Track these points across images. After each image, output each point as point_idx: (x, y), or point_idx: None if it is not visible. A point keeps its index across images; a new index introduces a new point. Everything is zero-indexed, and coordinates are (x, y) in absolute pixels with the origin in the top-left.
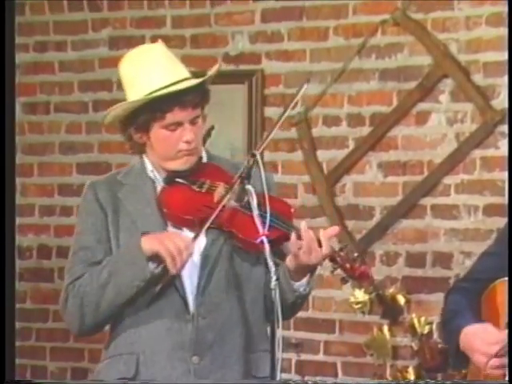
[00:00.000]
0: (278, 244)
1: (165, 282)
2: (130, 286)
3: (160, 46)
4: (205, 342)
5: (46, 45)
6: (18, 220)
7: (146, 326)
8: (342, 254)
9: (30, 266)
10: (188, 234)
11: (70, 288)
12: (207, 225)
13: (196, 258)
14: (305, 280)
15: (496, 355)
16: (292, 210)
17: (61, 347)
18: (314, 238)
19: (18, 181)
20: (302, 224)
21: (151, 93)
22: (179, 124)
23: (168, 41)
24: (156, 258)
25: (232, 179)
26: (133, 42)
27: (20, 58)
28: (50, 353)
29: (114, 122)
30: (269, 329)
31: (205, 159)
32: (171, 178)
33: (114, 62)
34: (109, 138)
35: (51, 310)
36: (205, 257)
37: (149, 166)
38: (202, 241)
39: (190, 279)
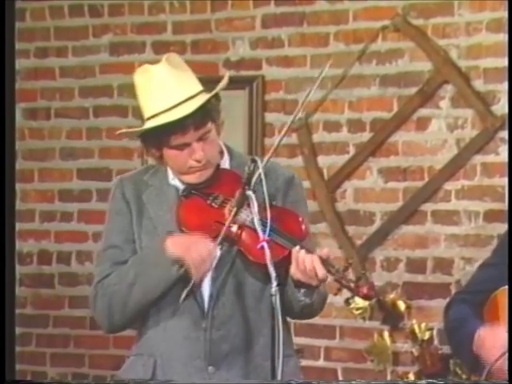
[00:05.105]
0: (285, 262)
1: (188, 291)
2: (155, 288)
3: (164, 64)
4: (220, 353)
5: (47, 50)
6: (19, 226)
7: (166, 331)
8: (345, 274)
9: (30, 272)
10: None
11: (99, 286)
12: (218, 241)
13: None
14: (310, 290)
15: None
16: (303, 227)
17: (61, 353)
18: (309, 261)
19: (19, 186)
20: (295, 249)
21: (152, 116)
22: (186, 144)
23: (168, 46)
24: (180, 261)
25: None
26: (133, 48)
27: (20, 63)
28: (50, 358)
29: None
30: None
31: (226, 164)
32: (188, 189)
33: (114, 68)
34: (109, 143)
35: (51, 315)
36: (217, 270)
37: (170, 175)
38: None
39: (206, 291)
